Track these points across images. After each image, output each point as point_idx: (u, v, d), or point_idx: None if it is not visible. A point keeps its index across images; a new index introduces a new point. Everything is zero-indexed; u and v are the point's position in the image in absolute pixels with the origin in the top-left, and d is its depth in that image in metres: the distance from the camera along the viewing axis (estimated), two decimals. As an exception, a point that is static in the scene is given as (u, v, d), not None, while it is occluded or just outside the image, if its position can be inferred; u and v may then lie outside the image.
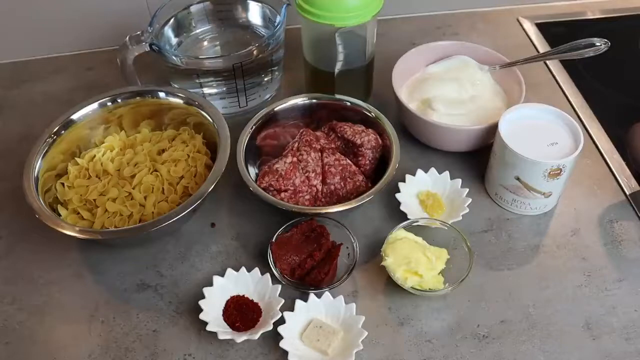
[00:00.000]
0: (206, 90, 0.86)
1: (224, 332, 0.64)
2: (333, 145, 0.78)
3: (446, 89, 0.84)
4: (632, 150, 0.80)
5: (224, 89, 0.85)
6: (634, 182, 0.80)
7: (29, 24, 0.97)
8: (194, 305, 0.67)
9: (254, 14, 0.93)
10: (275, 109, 0.81)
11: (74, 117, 0.78)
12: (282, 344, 0.63)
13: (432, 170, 0.78)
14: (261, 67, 0.85)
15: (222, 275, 0.69)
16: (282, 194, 0.73)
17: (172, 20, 0.89)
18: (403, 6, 1.07)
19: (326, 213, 0.71)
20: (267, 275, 0.68)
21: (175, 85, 0.86)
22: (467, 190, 0.76)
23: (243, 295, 0.68)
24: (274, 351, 0.65)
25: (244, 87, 0.85)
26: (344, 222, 0.72)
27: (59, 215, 0.72)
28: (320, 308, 0.67)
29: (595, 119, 0.88)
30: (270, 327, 0.64)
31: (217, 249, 0.74)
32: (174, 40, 0.90)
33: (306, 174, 0.75)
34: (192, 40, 0.92)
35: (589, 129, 0.87)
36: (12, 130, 0.90)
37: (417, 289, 0.67)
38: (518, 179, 0.72)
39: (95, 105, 0.79)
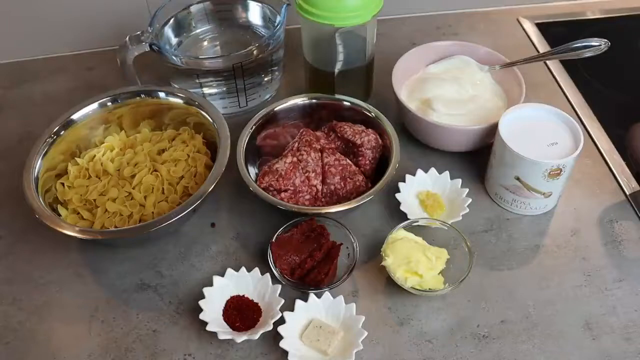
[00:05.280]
0: (206, 90, 0.86)
1: (224, 332, 0.64)
2: (333, 145, 0.78)
3: (446, 89, 0.84)
4: (632, 150, 0.80)
5: (224, 89, 0.85)
6: (634, 182, 0.80)
7: (29, 24, 0.97)
8: (194, 305, 0.67)
9: (254, 14, 0.93)
10: (275, 109, 0.81)
11: (74, 117, 0.78)
12: (282, 344, 0.63)
13: (432, 170, 0.78)
14: (261, 67, 0.85)
15: (222, 275, 0.69)
16: (282, 194, 0.73)
17: (172, 20, 0.89)
18: (403, 6, 1.07)
19: (326, 213, 0.71)
20: (267, 275, 0.68)
21: (175, 85, 0.86)
22: (467, 190, 0.76)
23: (243, 295, 0.68)
24: (274, 351, 0.65)
25: (244, 87, 0.85)
26: (344, 222, 0.72)
27: (59, 215, 0.72)
28: (320, 308, 0.67)
29: (595, 119, 0.88)
30: (270, 327, 0.64)
31: (217, 249, 0.74)
32: (174, 40, 0.90)
33: (306, 174, 0.75)
34: (192, 40, 0.92)
35: (589, 129, 0.87)
36: (12, 130, 0.90)
37: (417, 289, 0.67)
38: (518, 179, 0.72)
39: (95, 105, 0.79)
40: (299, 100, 0.82)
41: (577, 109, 0.90)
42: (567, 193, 0.78)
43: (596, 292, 0.69)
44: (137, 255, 0.74)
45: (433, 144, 0.83)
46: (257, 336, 0.63)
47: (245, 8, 0.93)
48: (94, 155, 0.78)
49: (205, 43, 0.92)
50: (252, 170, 0.78)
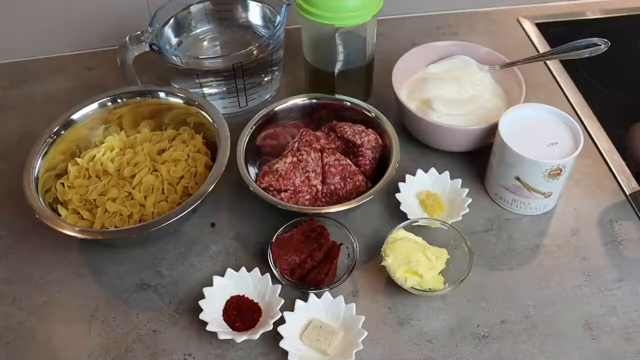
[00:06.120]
0: (206, 90, 0.86)
1: (224, 332, 0.64)
2: (333, 145, 0.78)
3: (446, 89, 0.84)
4: (632, 150, 0.80)
5: (224, 89, 0.85)
6: (634, 182, 0.80)
7: (29, 24, 0.97)
8: (194, 305, 0.67)
9: (254, 14, 0.93)
10: (275, 109, 0.81)
11: (74, 117, 0.78)
12: (282, 344, 0.63)
13: (432, 170, 0.78)
14: (261, 67, 0.85)
15: (222, 275, 0.69)
16: (282, 194, 0.73)
17: (172, 20, 0.89)
18: (403, 6, 1.07)
19: (326, 213, 0.71)
20: (267, 275, 0.68)
21: (175, 85, 0.86)
22: (467, 190, 0.76)
23: (243, 295, 0.68)
24: (274, 351, 0.65)
25: (244, 87, 0.85)
26: (344, 222, 0.72)
27: (59, 215, 0.72)
28: (320, 308, 0.67)
29: (595, 119, 0.88)
30: (270, 327, 0.64)
31: (217, 249, 0.74)
32: (174, 40, 0.90)
33: (306, 174, 0.75)
34: (192, 40, 0.92)
35: (589, 129, 0.87)
36: (12, 130, 0.90)
37: (417, 289, 0.67)
38: (518, 179, 0.72)
39: (95, 105, 0.79)
40: (299, 100, 0.82)
41: (577, 109, 0.90)
42: (567, 193, 0.78)
43: (596, 292, 0.69)
44: (137, 255, 0.74)
45: (433, 144, 0.83)
46: (257, 336, 0.63)
47: (245, 8, 0.93)
48: (94, 155, 0.78)
49: (205, 43, 0.92)
50: (252, 170, 0.78)
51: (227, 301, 0.68)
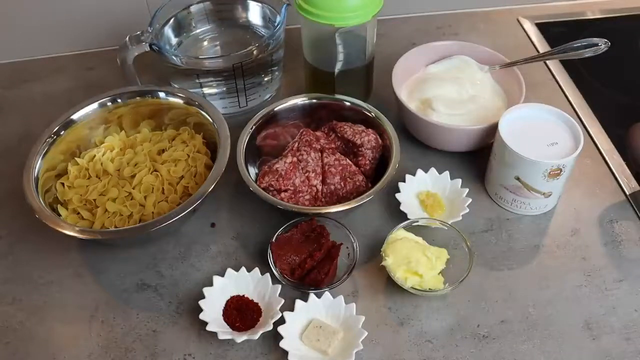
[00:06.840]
0: (206, 90, 0.86)
1: (224, 332, 0.64)
2: (333, 145, 0.78)
3: (446, 89, 0.84)
4: (632, 150, 0.80)
5: (224, 89, 0.85)
6: (634, 182, 0.80)
7: (29, 24, 0.97)
8: (194, 305, 0.67)
9: (254, 14, 0.93)
10: (275, 109, 0.81)
11: (74, 117, 0.78)
12: (282, 344, 0.63)
13: (432, 170, 0.78)
14: (261, 67, 0.85)
15: (222, 275, 0.69)
16: (282, 194, 0.73)
17: (172, 20, 0.89)
18: (403, 6, 1.07)
19: (326, 213, 0.71)
20: (267, 275, 0.68)
21: (175, 85, 0.86)
22: (467, 190, 0.76)
23: (243, 295, 0.68)
24: (274, 351, 0.65)
25: (244, 87, 0.85)
26: (344, 222, 0.72)
27: (59, 215, 0.72)
28: (320, 308, 0.67)
29: (595, 119, 0.88)
30: (270, 327, 0.64)
31: (217, 249, 0.74)
32: (174, 40, 0.90)
33: (306, 174, 0.75)
34: (192, 40, 0.92)
35: (589, 129, 0.87)
36: (12, 130, 0.90)
37: (417, 289, 0.67)
38: (518, 179, 0.72)
39: (95, 105, 0.79)
40: (299, 100, 0.82)
41: (577, 109, 0.90)
42: (567, 193, 0.78)
43: (596, 292, 0.69)
44: (137, 255, 0.74)
45: (433, 144, 0.83)
46: (257, 336, 0.63)
47: (245, 8, 0.93)
48: (94, 155, 0.78)
49: (205, 43, 0.92)
50: (252, 170, 0.78)
51: (227, 301, 0.68)
